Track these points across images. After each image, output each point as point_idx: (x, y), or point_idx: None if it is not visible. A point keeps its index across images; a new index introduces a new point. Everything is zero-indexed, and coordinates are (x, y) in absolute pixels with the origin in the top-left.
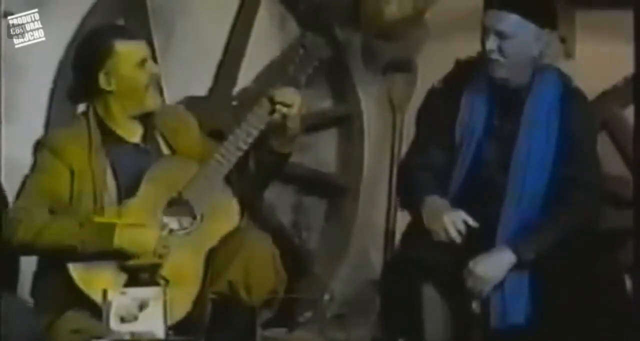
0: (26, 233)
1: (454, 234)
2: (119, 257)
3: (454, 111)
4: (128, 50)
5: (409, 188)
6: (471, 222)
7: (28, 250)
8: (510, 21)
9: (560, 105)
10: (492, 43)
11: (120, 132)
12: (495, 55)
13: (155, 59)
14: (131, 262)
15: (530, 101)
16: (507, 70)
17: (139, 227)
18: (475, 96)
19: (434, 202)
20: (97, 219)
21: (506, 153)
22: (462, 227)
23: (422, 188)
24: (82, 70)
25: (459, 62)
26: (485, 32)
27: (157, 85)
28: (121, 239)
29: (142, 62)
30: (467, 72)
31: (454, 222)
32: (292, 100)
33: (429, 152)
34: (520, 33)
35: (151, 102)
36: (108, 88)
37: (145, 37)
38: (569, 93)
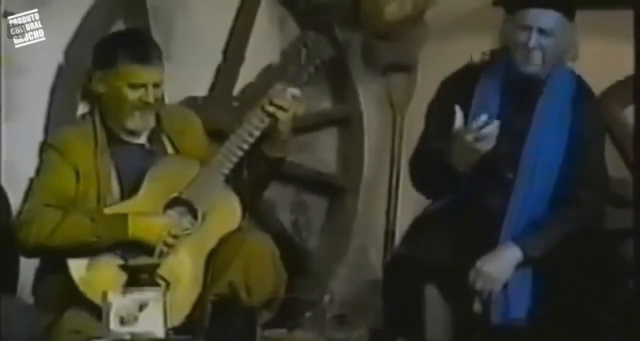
0: (39, 234)
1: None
2: (134, 247)
3: (467, 101)
4: (130, 72)
5: (427, 172)
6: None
7: (43, 250)
8: (549, 18)
9: (573, 105)
10: (535, 41)
11: (125, 133)
12: (538, 54)
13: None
14: (131, 262)
15: (545, 96)
16: (540, 67)
17: (151, 215)
18: (490, 86)
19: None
20: (108, 210)
21: (517, 147)
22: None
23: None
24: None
25: (469, 65)
26: (524, 30)
27: (150, 111)
28: (135, 228)
29: (139, 86)
30: (480, 70)
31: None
32: (289, 105)
33: (441, 141)
34: (559, 29)
35: (131, 124)
36: (100, 90)
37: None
38: (582, 94)
